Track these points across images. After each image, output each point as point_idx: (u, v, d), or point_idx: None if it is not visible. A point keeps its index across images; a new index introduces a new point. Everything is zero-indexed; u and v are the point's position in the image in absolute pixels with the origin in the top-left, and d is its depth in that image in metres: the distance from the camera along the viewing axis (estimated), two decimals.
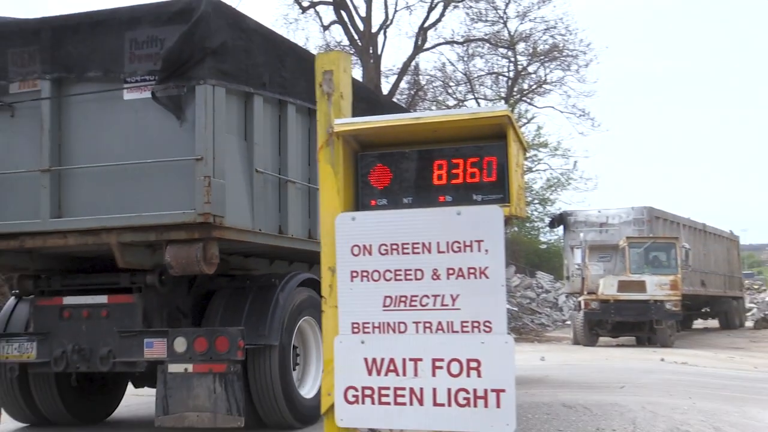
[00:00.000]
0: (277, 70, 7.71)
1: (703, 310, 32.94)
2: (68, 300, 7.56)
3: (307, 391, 8.04)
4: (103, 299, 7.41)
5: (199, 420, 6.75)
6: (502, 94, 36.77)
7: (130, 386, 9.39)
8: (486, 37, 35.03)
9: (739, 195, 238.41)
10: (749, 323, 36.45)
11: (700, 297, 29.44)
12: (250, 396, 7.43)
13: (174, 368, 6.87)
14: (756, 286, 53.33)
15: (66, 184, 7.28)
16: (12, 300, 8.31)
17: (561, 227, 28.85)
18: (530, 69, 36.32)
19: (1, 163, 7.53)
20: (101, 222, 7.08)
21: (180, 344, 6.89)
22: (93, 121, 7.26)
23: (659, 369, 15.52)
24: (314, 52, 14.81)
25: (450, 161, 3.85)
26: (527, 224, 47.77)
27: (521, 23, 34.73)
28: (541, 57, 35.21)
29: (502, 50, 35.72)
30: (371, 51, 32.22)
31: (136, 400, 10.27)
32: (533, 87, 36.88)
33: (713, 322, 34.61)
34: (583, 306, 23.44)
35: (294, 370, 7.85)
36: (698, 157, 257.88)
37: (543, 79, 36.09)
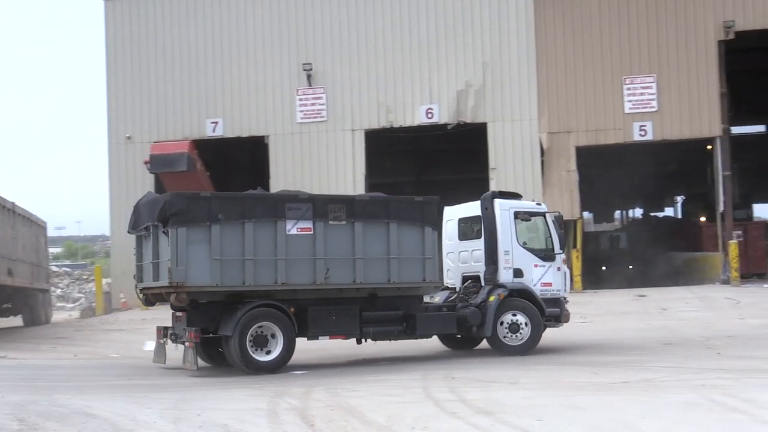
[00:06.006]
0: (234, 208, 14.93)
1: (4, 306, 28.35)
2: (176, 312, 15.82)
3: (262, 357, 14.99)
4: (179, 314, 15.60)
5: (186, 365, 14.70)
6: None
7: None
8: None
9: (77, 188, 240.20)
10: (65, 316, 35.22)
11: (7, 288, 25.93)
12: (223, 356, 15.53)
13: (187, 343, 14.71)
14: (86, 276, 52.90)
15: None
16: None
17: None
18: None
19: None
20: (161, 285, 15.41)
21: (187, 333, 14.80)
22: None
23: None
24: None
25: None
26: None
27: None
28: None
29: None
30: None
31: None
32: None
33: (17, 320, 29.92)
34: None
35: (265, 345, 15.02)
36: (46, 147, 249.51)
37: None
